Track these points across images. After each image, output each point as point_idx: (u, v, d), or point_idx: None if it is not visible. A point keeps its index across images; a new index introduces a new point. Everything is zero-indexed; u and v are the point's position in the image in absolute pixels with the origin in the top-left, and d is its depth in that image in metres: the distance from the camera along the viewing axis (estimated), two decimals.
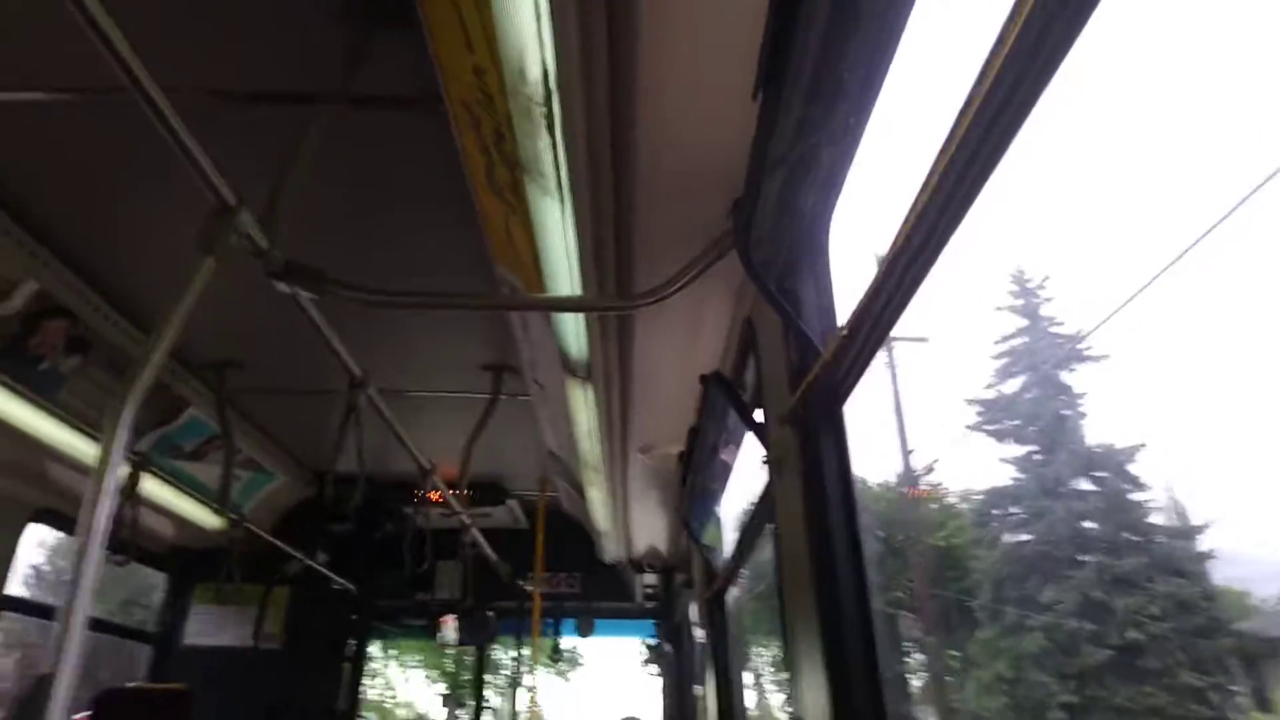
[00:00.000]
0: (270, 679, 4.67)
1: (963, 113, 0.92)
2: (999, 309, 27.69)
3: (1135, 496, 23.54)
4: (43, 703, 1.12)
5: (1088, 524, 23.31)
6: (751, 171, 1.40)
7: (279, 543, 4.40)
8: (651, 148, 1.64)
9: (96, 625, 4.90)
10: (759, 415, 2.12)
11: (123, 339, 2.90)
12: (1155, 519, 23.29)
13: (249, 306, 2.80)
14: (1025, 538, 24.49)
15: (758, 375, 2.10)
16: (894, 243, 1.14)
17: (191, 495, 3.96)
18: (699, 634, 4.73)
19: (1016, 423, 26.05)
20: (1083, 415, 25.25)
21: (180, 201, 2.06)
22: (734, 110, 1.47)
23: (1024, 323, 26.86)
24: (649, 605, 5.96)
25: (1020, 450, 25.91)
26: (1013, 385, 26.50)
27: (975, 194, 0.97)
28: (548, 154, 1.52)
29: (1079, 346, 25.42)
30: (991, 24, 0.87)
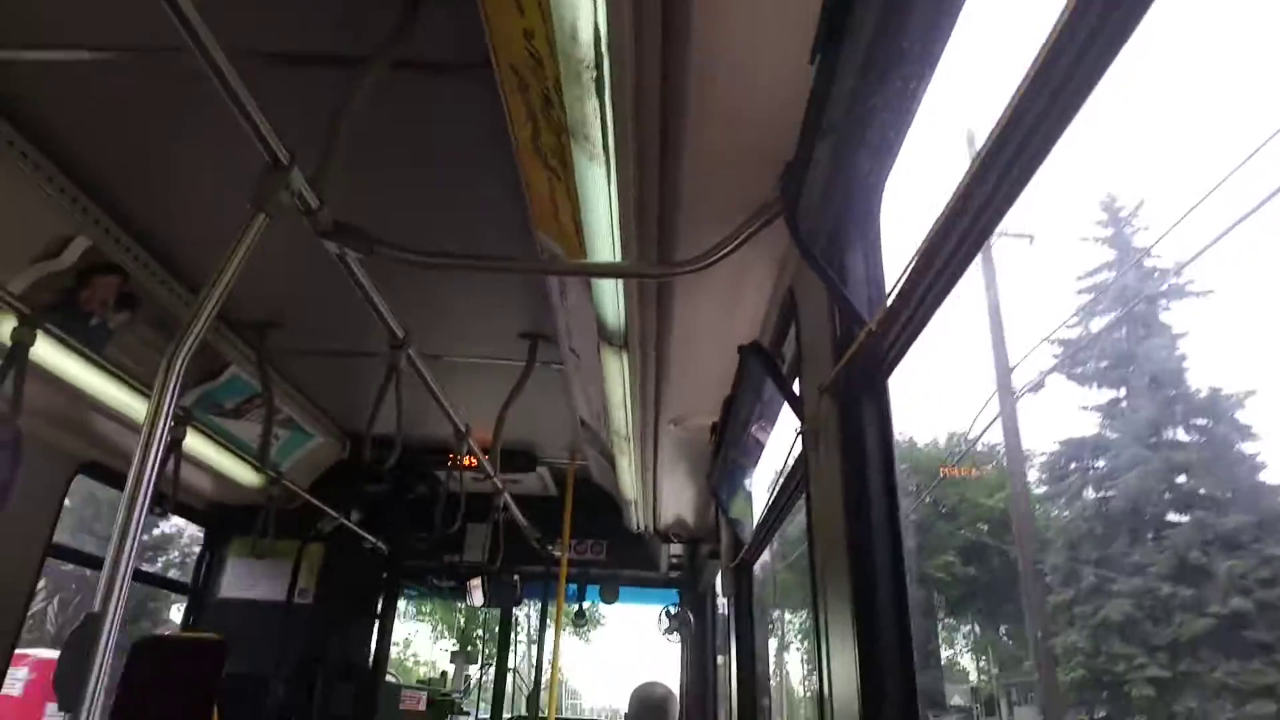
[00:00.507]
0: (301, 632, 4.80)
1: (1024, 82, 0.90)
2: (1084, 239, 25.36)
3: (1244, 447, 20.94)
4: (92, 640, 1.17)
5: (1184, 478, 20.82)
6: (804, 136, 1.39)
7: (315, 501, 4.50)
8: (701, 112, 1.63)
9: (137, 575, 5.08)
10: (796, 387, 2.11)
11: (170, 298, 2.96)
12: (1268, 474, 20.66)
13: (292, 268, 2.84)
14: (1110, 493, 22.17)
15: (797, 346, 2.09)
16: (946, 212, 1.12)
17: (231, 452, 4.05)
18: (722, 604, 4.77)
19: (1104, 364, 23.37)
20: (1182, 357, 22.70)
21: (228, 161, 2.09)
22: (788, 74, 1.44)
23: (1112, 254, 24.34)
24: (674, 575, 6.02)
25: (1107, 395, 23.38)
26: (1099, 323, 23.64)
27: (1041, 159, 0.95)
28: (595, 118, 1.51)
29: (1177, 281, 22.85)
30: None
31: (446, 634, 24.11)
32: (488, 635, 23.13)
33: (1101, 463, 23.04)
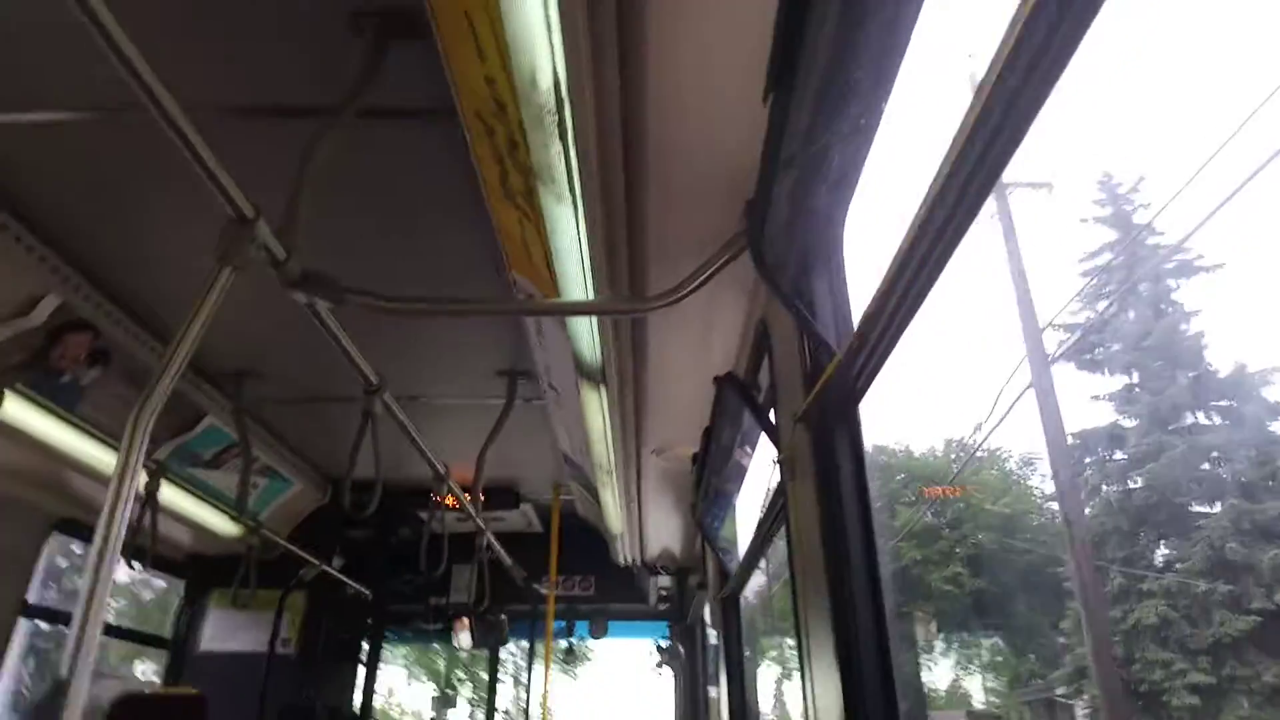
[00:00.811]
0: (284, 683, 4.70)
1: (973, 107, 0.93)
2: (1084, 220, 23.44)
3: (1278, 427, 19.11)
4: (61, 707, 1.14)
5: (1210, 465, 19.03)
6: (763, 173, 1.41)
7: (295, 549, 4.43)
8: (663, 152, 1.66)
9: (112, 631, 4.96)
10: (773, 416, 2.12)
11: (143, 351, 2.94)
12: None
13: (266, 316, 2.83)
14: (1133, 485, 20.45)
15: (771, 376, 2.10)
16: (907, 241, 1.15)
17: (209, 503, 4.00)
18: (713, 635, 4.74)
19: (1116, 348, 21.56)
20: (1199, 335, 21.07)
21: (199, 214, 2.08)
22: (744, 113, 1.48)
23: (1114, 234, 22.86)
24: (663, 607, 5.97)
25: (1121, 381, 21.49)
26: (1108, 305, 21.86)
27: (988, 189, 0.98)
28: (560, 161, 1.54)
29: (1186, 257, 21.34)
30: (1004, 13, 0.87)
31: (425, 678, 23.56)
32: (467, 677, 22.68)
33: (1119, 454, 21.50)
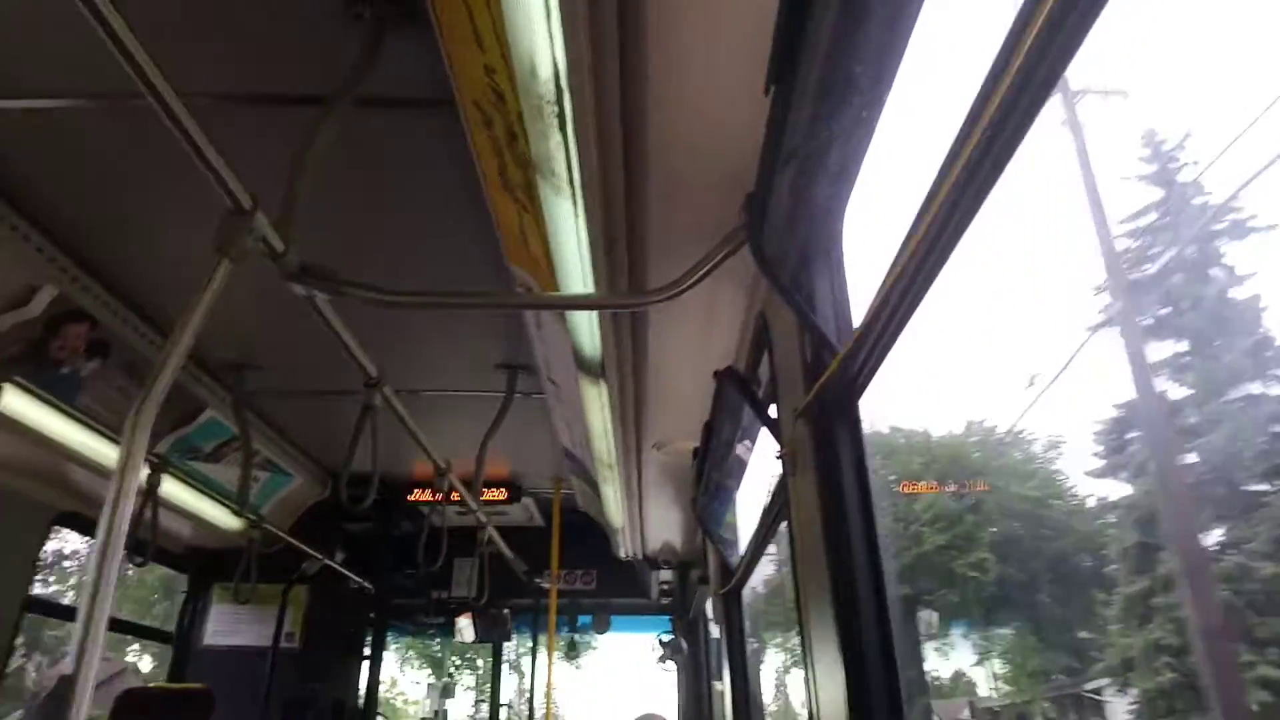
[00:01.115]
0: (288, 677, 4.72)
1: (979, 99, 0.92)
2: (1127, 178, 21.37)
3: None
4: (64, 704, 1.12)
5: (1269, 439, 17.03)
6: (763, 166, 1.40)
7: (297, 543, 4.44)
8: (663, 144, 1.64)
9: (117, 626, 4.97)
10: (773, 410, 2.11)
11: (142, 342, 2.93)
12: None
13: (266, 308, 2.82)
14: (1185, 460, 17.77)
15: (772, 370, 2.09)
16: (909, 235, 1.13)
17: (210, 496, 4.00)
18: (715, 629, 4.74)
19: (1166, 311, 19.52)
20: (1256, 299, 19.00)
21: (198, 204, 2.08)
22: (745, 105, 1.46)
23: (1160, 193, 20.73)
24: (665, 601, 5.97)
25: (1170, 348, 19.45)
26: (1152, 268, 19.97)
27: (992, 183, 0.97)
28: (559, 153, 1.53)
29: (1238, 216, 19.39)
30: (1008, 7, 0.86)
31: (420, 665, 23.34)
32: (463, 664, 22.55)
33: (1163, 431, 18.54)
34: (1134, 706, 19.19)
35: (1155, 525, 18.11)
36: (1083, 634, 23.22)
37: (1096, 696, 21.52)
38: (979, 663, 27.39)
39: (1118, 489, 21.76)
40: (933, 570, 24.38)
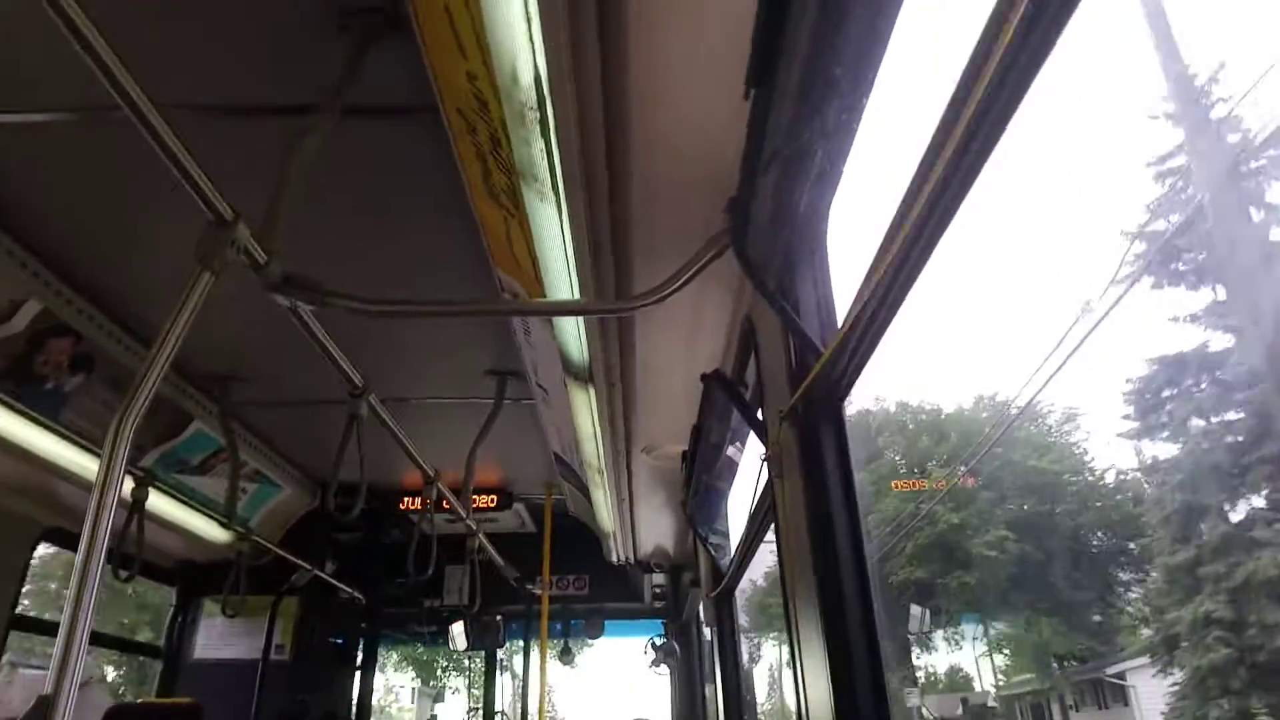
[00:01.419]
0: (280, 690, 4.68)
1: (955, 101, 0.93)
2: (1152, 117, 20.03)
3: None
4: None
5: None
6: (745, 169, 1.41)
7: (286, 554, 4.41)
8: (646, 149, 1.65)
9: (104, 641, 4.93)
10: (760, 413, 2.12)
11: (127, 357, 2.91)
12: None
13: (250, 319, 2.81)
14: (1231, 417, 17.23)
15: (758, 373, 2.10)
16: (890, 236, 1.14)
17: (198, 509, 3.97)
18: (708, 632, 4.74)
19: (1202, 256, 17.70)
20: None
21: (183, 217, 2.06)
22: (727, 109, 1.47)
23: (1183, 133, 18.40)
24: (657, 605, 5.97)
25: (1204, 297, 17.88)
26: (1182, 214, 17.99)
27: (970, 183, 0.98)
28: (542, 159, 1.53)
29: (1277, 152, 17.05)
30: (983, 9, 0.87)
31: (405, 668, 22.96)
32: (451, 665, 22.26)
33: (1205, 385, 18.18)
34: (1174, 689, 18.28)
35: (1194, 490, 17.10)
36: (1112, 612, 22.67)
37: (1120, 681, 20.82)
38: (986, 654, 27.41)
39: (1156, 450, 20.42)
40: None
